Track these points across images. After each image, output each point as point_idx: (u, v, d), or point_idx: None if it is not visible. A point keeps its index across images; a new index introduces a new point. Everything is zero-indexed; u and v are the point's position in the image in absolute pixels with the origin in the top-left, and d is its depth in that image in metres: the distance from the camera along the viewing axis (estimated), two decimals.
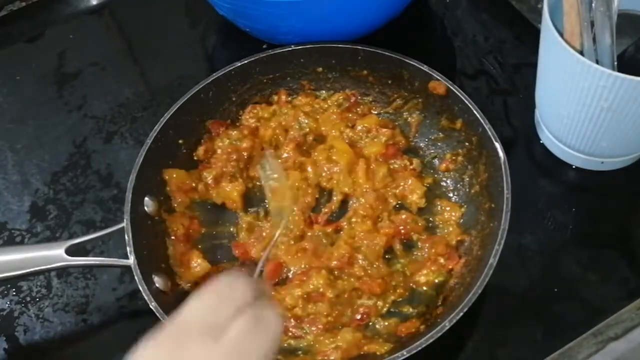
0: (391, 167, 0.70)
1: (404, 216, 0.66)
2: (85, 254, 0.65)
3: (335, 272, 0.64)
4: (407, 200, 0.68)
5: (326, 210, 0.68)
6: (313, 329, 0.61)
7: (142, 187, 0.65)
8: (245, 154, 0.71)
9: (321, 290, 0.62)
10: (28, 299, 0.68)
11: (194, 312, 0.42)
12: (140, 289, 0.58)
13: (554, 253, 0.66)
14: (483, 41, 0.82)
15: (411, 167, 0.70)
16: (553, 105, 0.67)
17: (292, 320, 0.61)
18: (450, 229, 0.66)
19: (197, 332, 0.40)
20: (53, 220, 0.73)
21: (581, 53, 0.59)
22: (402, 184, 0.68)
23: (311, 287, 0.62)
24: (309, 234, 0.67)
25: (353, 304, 0.62)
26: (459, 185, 0.69)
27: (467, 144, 0.68)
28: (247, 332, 0.41)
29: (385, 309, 0.62)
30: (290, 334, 0.61)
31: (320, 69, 0.74)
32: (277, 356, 0.59)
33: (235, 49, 0.84)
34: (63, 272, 0.68)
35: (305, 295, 0.62)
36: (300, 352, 0.60)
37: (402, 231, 0.66)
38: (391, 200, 0.68)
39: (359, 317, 0.61)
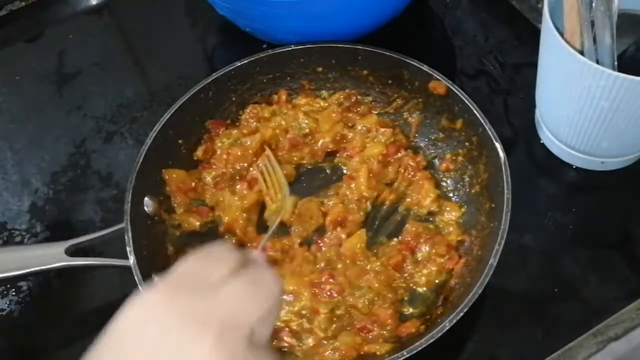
0: (399, 164, 0.69)
1: (413, 228, 0.66)
2: (85, 254, 0.65)
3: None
4: (421, 205, 0.67)
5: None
6: (310, 340, 0.60)
7: (141, 187, 0.65)
8: (245, 154, 0.71)
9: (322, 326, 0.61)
10: (28, 299, 0.68)
11: (187, 269, 0.40)
12: (140, 289, 0.58)
13: (554, 253, 0.66)
14: (483, 41, 0.82)
15: (417, 159, 0.70)
16: (553, 105, 0.67)
17: (287, 330, 0.61)
18: (451, 229, 0.66)
19: (191, 286, 0.38)
20: (53, 220, 0.73)
21: (581, 53, 0.58)
22: (412, 190, 0.68)
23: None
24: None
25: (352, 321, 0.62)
26: (459, 186, 0.69)
27: (467, 144, 0.68)
28: (243, 290, 0.39)
29: None
30: (286, 344, 0.60)
31: (320, 69, 0.74)
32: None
33: (235, 48, 0.84)
34: (63, 272, 0.68)
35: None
36: (299, 354, 0.60)
37: (412, 243, 0.65)
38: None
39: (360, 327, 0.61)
